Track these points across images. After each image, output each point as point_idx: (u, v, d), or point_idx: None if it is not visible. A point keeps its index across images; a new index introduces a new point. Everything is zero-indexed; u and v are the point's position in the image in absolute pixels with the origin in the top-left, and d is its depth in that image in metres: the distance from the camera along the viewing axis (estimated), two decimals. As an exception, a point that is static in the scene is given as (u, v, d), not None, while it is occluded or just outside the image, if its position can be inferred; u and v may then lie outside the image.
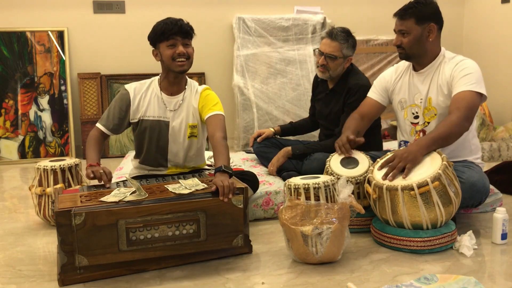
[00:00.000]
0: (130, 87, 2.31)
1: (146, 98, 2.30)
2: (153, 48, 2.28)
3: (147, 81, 2.35)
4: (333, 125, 2.82)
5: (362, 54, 4.72)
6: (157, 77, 2.35)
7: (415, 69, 2.39)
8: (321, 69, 2.78)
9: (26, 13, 4.28)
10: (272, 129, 3.14)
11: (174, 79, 2.29)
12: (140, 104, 2.29)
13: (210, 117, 2.25)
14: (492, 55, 4.72)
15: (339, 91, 2.81)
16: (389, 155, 2.17)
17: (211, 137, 2.21)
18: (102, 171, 2.08)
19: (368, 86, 2.66)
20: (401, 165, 2.06)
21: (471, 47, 5.01)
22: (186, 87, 2.33)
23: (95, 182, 2.16)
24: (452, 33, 4.99)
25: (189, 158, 2.38)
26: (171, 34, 2.19)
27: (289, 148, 2.85)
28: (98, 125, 2.32)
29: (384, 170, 2.12)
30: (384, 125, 4.33)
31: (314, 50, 2.87)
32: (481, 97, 2.19)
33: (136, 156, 2.43)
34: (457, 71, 2.23)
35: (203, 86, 2.37)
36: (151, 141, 2.31)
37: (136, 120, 2.30)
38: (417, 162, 2.08)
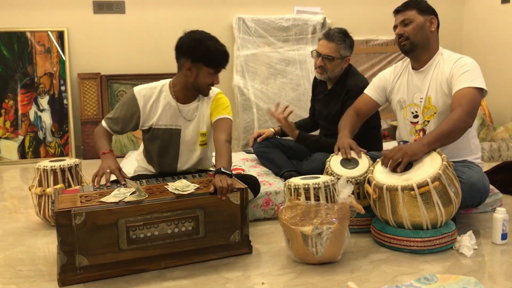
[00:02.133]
0: (139, 93, 2.25)
1: (158, 106, 2.26)
2: (189, 62, 2.15)
3: (157, 86, 2.29)
4: (332, 126, 2.82)
5: (362, 54, 4.72)
6: (168, 82, 2.30)
7: (414, 68, 2.40)
8: (319, 70, 2.78)
9: (26, 13, 4.28)
10: (272, 129, 3.14)
11: (192, 93, 2.27)
12: (151, 112, 2.26)
13: (218, 120, 2.26)
14: (492, 55, 4.72)
15: (337, 92, 2.81)
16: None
17: (215, 140, 2.22)
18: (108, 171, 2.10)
19: (366, 87, 2.67)
20: (398, 157, 2.07)
21: (471, 47, 5.01)
22: (198, 95, 2.31)
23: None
24: (452, 33, 5.00)
25: (198, 162, 2.39)
26: (221, 65, 2.19)
27: (297, 132, 2.84)
28: (103, 123, 2.30)
29: (381, 171, 2.12)
30: (384, 125, 4.34)
31: (311, 52, 2.87)
32: (481, 92, 2.19)
33: (145, 156, 2.42)
34: (456, 68, 2.23)
35: (216, 90, 2.36)
36: (163, 148, 2.31)
37: (146, 128, 2.29)
38: (416, 157, 2.09)
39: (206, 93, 2.26)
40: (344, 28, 2.80)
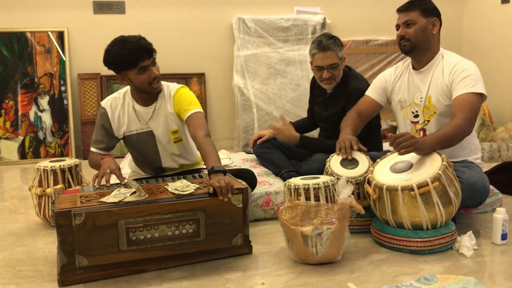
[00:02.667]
0: (107, 103, 2.28)
1: (124, 114, 2.27)
2: (117, 74, 2.17)
3: (121, 93, 2.31)
4: (332, 127, 2.81)
5: (362, 54, 4.72)
6: (129, 88, 2.30)
7: (414, 68, 2.40)
8: (328, 81, 2.72)
9: (26, 14, 4.28)
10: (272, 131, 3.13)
11: (148, 95, 2.26)
12: (120, 121, 2.28)
13: (188, 118, 2.22)
14: (492, 55, 4.72)
15: (338, 95, 2.78)
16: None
17: (193, 138, 2.20)
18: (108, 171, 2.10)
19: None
20: (407, 144, 2.04)
21: (471, 47, 5.01)
22: (159, 94, 2.29)
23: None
24: (452, 33, 4.99)
25: (181, 158, 2.40)
26: (140, 60, 2.11)
27: (298, 136, 2.80)
28: (92, 149, 2.33)
29: (381, 171, 2.12)
30: (384, 125, 4.33)
31: (312, 69, 2.82)
32: (481, 97, 2.21)
33: (134, 161, 2.46)
34: (456, 73, 2.24)
35: (176, 87, 2.31)
36: (142, 153, 2.34)
37: (121, 136, 2.31)
38: (421, 153, 2.08)
39: (155, 90, 2.21)
40: (324, 31, 2.78)
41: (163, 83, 2.29)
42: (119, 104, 2.28)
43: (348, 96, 2.72)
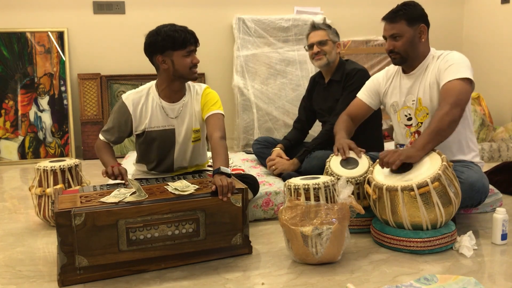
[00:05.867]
0: (128, 99, 2.25)
1: (148, 109, 2.26)
2: (158, 55, 2.17)
3: (144, 89, 2.29)
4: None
5: (362, 54, 4.72)
6: (153, 83, 2.30)
7: (405, 71, 2.38)
8: (318, 56, 2.84)
9: (26, 14, 4.28)
10: (278, 148, 3.04)
11: (178, 87, 2.26)
12: (142, 116, 2.26)
13: (209, 117, 2.25)
14: (492, 55, 4.72)
15: (337, 79, 2.87)
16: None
17: (209, 137, 2.21)
18: (118, 170, 2.11)
19: (365, 70, 2.80)
20: (393, 158, 2.06)
21: (471, 47, 5.01)
22: (186, 91, 2.31)
23: (97, 182, 2.16)
24: (452, 33, 5.00)
25: (194, 159, 2.40)
26: (189, 43, 2.16)
27: (295, 161, 2.85)
28: (100, 136, 2.32)
29: (381, 171, 2.12)
30: (384, 125, 4.33)
31: (304, 47, 2.97)
32: (469, 82, 2.16)
33: (140, 162, 2.42)
34: (441, 63, 2.23)
35: (203, 86, 2.35)
36: (159, 150, 2.31)
37: (140, 132, 2.28)
38: (411, 160, 2.08)
39: (193, 77, 2.23)
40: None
41: (190, 83, 2.33)
42: (142, 99, 2.26)
43: (346, 77, 2.81)
